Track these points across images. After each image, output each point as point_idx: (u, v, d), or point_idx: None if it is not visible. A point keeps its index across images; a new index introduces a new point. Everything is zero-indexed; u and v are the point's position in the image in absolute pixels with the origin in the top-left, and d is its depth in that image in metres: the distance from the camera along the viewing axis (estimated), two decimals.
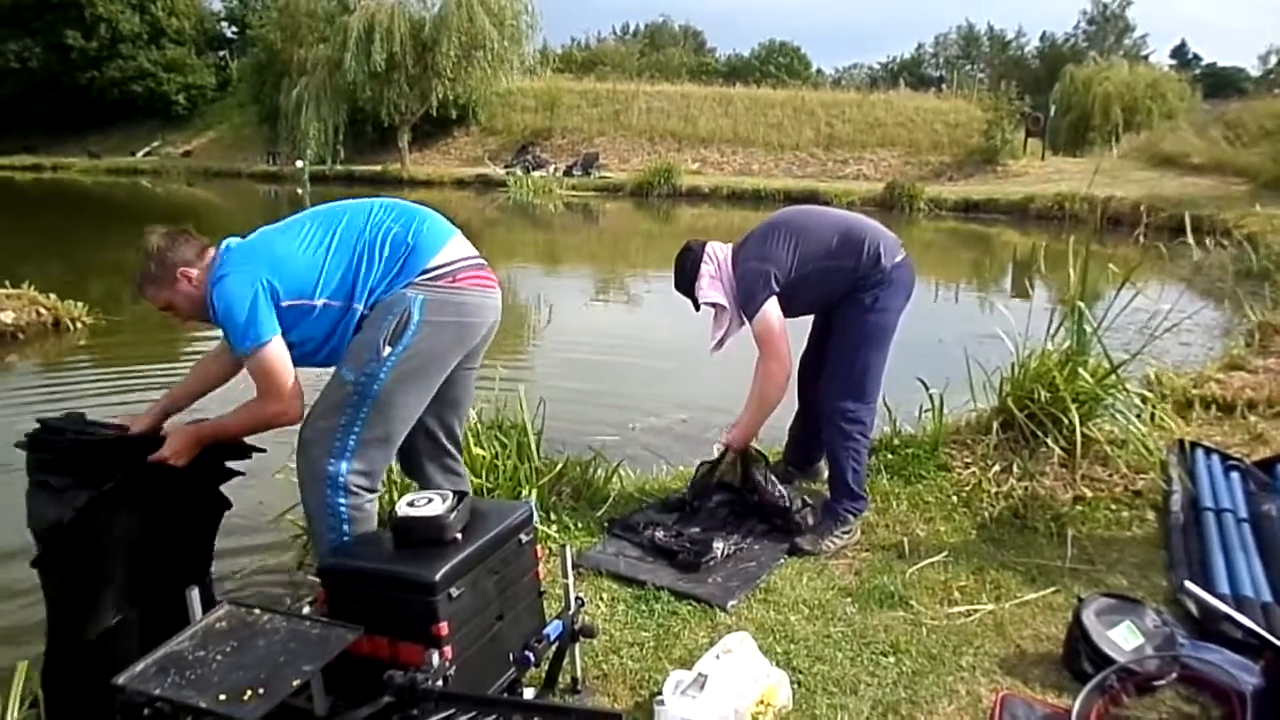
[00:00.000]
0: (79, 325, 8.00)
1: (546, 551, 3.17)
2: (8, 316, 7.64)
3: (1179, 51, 56.70)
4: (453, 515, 2.20)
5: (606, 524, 3.54)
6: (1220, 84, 43.77)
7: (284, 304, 2.42)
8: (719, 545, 3.24)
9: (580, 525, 3.50)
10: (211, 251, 2.53)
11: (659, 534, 3.34)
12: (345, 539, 2.41)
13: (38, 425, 2.50)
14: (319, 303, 2.45)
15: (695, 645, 2.72)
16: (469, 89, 27.79)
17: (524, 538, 2.38)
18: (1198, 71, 45.48)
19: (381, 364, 2.39)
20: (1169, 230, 11.84)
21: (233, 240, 2.53)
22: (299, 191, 25.41)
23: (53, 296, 8.03)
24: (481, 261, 2.60)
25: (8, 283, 7.99)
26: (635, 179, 23.59)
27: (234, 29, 40.77)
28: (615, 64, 40.92)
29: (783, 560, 3.28)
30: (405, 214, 2.55)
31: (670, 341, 7.57)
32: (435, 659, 2.00)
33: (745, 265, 3.37)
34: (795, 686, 2.52)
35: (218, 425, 2.53)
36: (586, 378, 6.74)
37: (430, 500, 2.25)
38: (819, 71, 54.69)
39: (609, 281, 12.82)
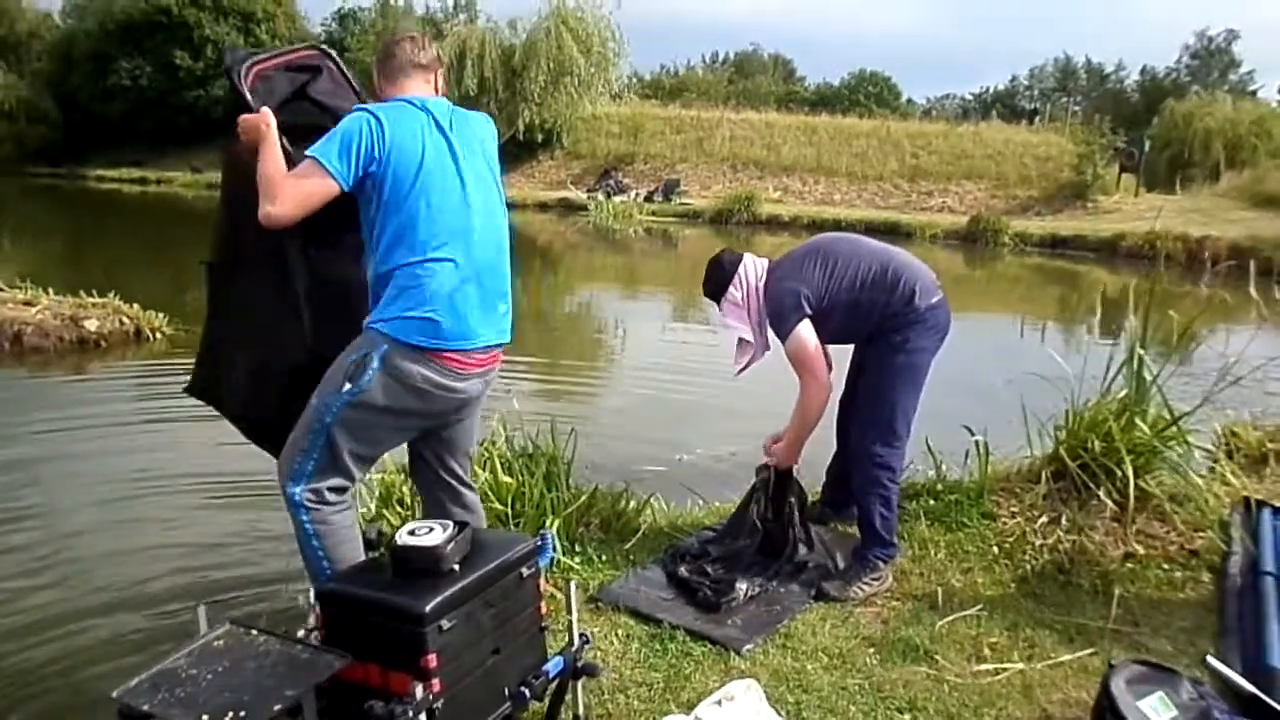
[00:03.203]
0: (159, 335, 8.29)
1: (565, 583, 3.15)
2: (92, 325, 7.98)
3: None
4: (450, 546, 2.18)
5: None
6: None
7: (370, 171, 2.39)
8: (742, 586, 3.17)
9: (604, 558, 3.46)
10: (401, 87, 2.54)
11: (682, 569, 3.28)
12: (320, 553, 2.48)
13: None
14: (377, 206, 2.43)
15: (705, 689, 2.65)
16: (555, 113, 28.18)
17: (525, 571, 2.35)
18: None
19: (338, 397, 2.42)
20: (1266, 274, 11.35)
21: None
22: None
23: (135, 306, 8.35)
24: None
25: (95, 292, 8.33)
26: (715, 206, 23.55)
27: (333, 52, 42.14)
28: (702, 91, 41.06)
29: (809, 605, 3.19)
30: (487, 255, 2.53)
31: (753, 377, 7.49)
32: (420, 691, 1.98)
33: (779, 285, 3.32)
34: None
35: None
36: (646, 406, 6.74)
37: (431, 530, 2.24)
38: (909, 101, 54.13)
39: (684, 308, 12.80)
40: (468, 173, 2.49)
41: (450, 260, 2.43)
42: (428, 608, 2.05)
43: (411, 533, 2.24)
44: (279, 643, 2.12)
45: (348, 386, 2.40)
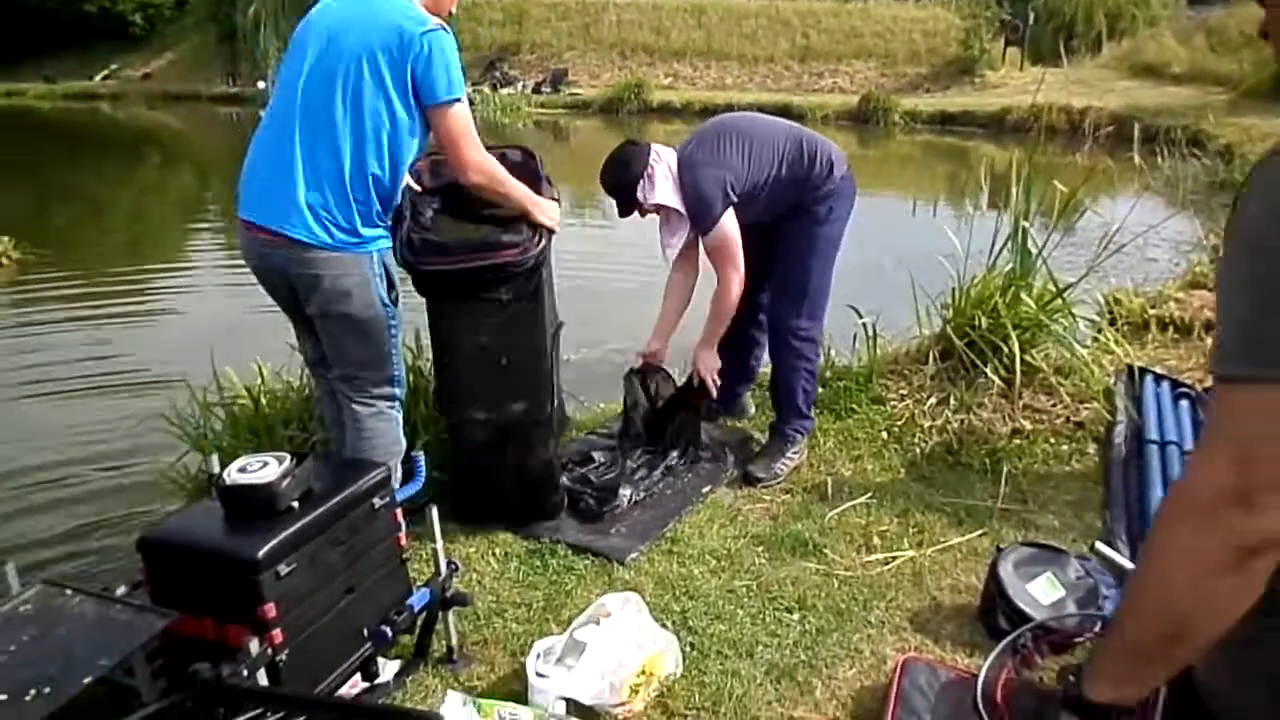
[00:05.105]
0: (5, 261, 7.67)
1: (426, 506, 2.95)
2: None
3: None
4: (286, 481, 1.96)
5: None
6: None
7: None
8: (626, 492, 3.02)
9: None
10: None
11: (564, 479, 3.11)
12: None
13: None
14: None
15: (588, 604, 2.51)
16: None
17: (377, 502, 2.14)
18: None
19: None
20: (1146, 141, 11.52)
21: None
22: (261, 114, 24.60)
23: None
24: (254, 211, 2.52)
25: None
26: (605, 95, 22.85)
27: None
28: None
29: (696, 506, 3.07)
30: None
31: (636, 266, 7.20)
32: (255, 646, 1.78)
33: (700, 171, 3.07)
34: (688, 649, 2.33)
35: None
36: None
37: (265, 464, 2.01)
38: None
39: (581, 203, 12.44)
40: (310, 60, 2.50)
41: (263, 139, 2.58)
42: (261, 552, 1.84)
43: (242, 469, 2.01)
44: (95, 603, 1.89)
45: None
